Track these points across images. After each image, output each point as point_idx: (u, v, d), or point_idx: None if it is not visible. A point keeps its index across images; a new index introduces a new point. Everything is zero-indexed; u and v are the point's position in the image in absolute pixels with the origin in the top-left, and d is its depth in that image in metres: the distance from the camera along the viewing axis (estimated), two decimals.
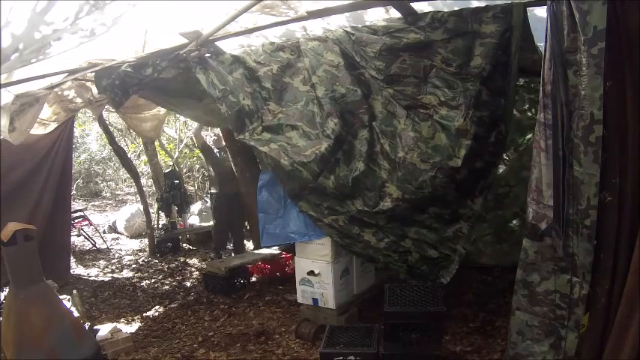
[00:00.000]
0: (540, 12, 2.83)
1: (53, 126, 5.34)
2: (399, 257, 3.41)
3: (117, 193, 13.88)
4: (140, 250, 7.50)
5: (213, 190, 6.23)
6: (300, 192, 3.55)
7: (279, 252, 5.30)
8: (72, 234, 7.03)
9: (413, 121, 3.11)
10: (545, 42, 2.10)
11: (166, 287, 5.53)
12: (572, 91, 2.03)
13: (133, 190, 11.66)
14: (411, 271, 3.44)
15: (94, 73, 3.85)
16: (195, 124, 6.82)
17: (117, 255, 7.30)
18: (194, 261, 6.61)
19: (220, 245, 6.43)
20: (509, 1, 2.76)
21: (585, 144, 2.00)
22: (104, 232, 8.69)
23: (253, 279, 5.38)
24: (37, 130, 5.09)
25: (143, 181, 9.40)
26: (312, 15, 3.10)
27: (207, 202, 8.01)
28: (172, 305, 4.89)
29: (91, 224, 8.24)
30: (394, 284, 3.33)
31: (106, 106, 5.91)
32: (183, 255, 6.94)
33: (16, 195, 5.21)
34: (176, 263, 6.52)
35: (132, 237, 8.43)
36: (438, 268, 3.35)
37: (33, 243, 3.30)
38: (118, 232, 8.76)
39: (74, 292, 4.35)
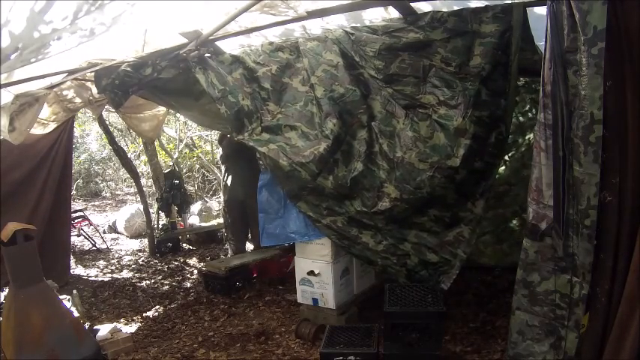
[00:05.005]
0: (540, 12, 2.82)
1: (53, 126, 5.33)
2: (398, 260, 3.40)
3: (117, 193, 13.85)
4: (140, 250, 7.50)
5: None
6: (299, 192, 3.54)
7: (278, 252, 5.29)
8: (72, 234, 7.02)
9: (412, 121, 3.10)
10: (545, 42, 2.10)
11: (166, 287, 5.53)
12: (572, 91, 2.02)
13: (133, 190, 11.64)
14: (410, 276, 3.42)
15: (93, 73, 3.85)
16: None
17: (117, 255, 7.29)
18: (194, 261, 6.60)
19: None
20: (509, 1, 2.76)
21: (585, 144, 1.99)
22: (104, 232, 8.68)
23: (253, 279, 5.38)
24: (37, 130, 5.08)
25: (143, 181, 9.39)
26: (312, 15, 3.10)
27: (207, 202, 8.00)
28: (172, 305, 4.88)
29: (91, 224, 8.23)
30: (394, 284, 3.33)
31: (106, 106, 5.91)
32: (183, 255, 6.93)
33: (16, 195, 5.21)
34: (176, 263, 6.52)
35: (132, 237, 8.42)
36: (438, 273, 3.32)
37: (33, 243, 3.31)
38: (118, 232, 8.75)
39: (74, 292, 4.36)
